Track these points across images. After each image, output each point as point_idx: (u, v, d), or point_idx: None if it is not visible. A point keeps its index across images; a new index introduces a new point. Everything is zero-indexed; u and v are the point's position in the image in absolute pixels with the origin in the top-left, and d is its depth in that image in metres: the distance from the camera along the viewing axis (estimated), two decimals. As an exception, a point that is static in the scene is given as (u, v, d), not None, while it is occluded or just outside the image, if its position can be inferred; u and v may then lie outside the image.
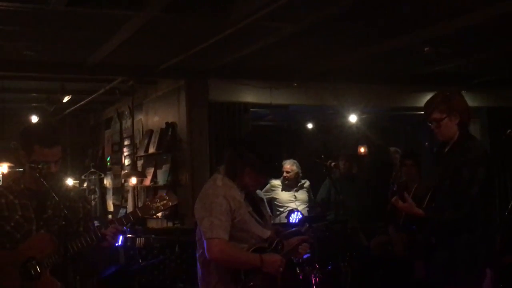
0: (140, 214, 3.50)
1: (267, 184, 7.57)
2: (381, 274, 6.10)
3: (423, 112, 4.22)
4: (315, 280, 5.72)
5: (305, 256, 4.36)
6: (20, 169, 3.75)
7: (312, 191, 8.46)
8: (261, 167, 3.55)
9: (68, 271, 3.51)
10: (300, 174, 8.33)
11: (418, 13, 5.87)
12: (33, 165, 3.38)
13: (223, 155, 3.76)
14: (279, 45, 6.77)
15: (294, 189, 8.25)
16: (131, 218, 3.52)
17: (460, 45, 7.15)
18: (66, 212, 3.29)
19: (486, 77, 8.83)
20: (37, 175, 3.36)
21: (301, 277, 5.80)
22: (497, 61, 7.97)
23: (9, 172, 9.90)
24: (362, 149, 11.76)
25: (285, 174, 8.08)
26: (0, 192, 3.53)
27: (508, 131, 4.14)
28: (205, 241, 3.43)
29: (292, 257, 3.84)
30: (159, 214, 8.43)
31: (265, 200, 3.88)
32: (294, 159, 8.37)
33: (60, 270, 3.42)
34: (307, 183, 8.40)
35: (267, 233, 3.63)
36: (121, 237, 6.22)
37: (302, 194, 8.29)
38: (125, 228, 3.63)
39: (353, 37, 6.67)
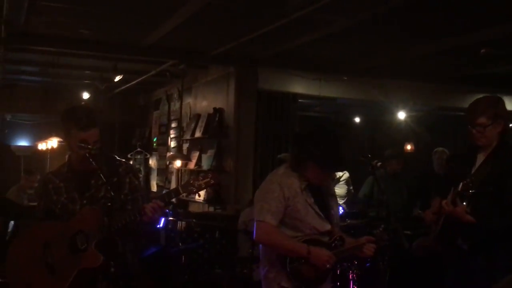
0: (181, 191, 3.49)
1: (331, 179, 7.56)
2: (421, 275, 6.04)
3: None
4: (352, 276, 5.71)
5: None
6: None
7: (354, 185, 8.41)
8: (325, 164, 3.61)
9: (116, 246, 3.58)
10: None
11: (474, 14, 5.76)
12: (82, 145, 3.45)
13: (269, 144, 3.86)
14: (331, 38, 6.73)
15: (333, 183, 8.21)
16: (172, 194, 3.55)
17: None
18: (111, 192, 3.34)
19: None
20: (87, 155, 3.43)
21: (338, 272, 5.82)
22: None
23: (58, 146, 10.12)
24: (409, 147, 11.66)
25: None
26: (48, 178, 3.69)
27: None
28: (254, 223, 3.62)
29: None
30: (201, 198, 8.53)
31: (343, 189, 3.92)
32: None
33: (105, 244, 3.50)
34: (345, 175, 8.35)
35: (326, 226, 3.66)
36: (162, 219, 6.31)
37: (340, 189, 8.25)
38: (167, 210, 3.68)
39: (406, 34, 6.59)
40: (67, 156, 3.76)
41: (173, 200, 3.56)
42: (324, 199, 3.74)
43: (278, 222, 3.59)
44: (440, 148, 7.46)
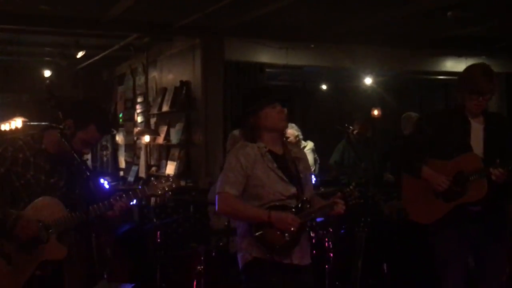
0: (147, 193, 3.69)
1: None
2: (396, 239, 6.10)
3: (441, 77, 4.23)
4: (328, 244, 5.73)
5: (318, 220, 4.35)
6: (34, 123, 3.76)
7: (328, 154, 8.41)
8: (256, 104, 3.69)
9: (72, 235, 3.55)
10: (301, 137, 8.25)
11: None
12: (54, 125, 3.36)
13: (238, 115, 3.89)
14: (297, 5, 6.66)
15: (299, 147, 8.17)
16: (139, 194, 3.65)
17: (483, 10, 7.01)
18: (87, 172, 3.29)
19: (508, 42, 8.68)
20: (59, 135, 3.34)
21: (314, 241, 5.83)
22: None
23: (23, 126, 9.89)
24: (375, 112, 11.71)
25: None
26: (20, 146, 3.50)
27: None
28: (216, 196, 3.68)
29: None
30: (172, 173, 8.46)
31: (310, 158, 3.88)
32: (308, 120, 8.31)
33: (66, 236, 3.45)
34: (309, 145, 8.33)
35: (291, 189, 3.64)
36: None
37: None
38: (131, 203, 3.72)
39: (372, -1, 6.58)
40: (38, 132, 3.62)
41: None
42: (290, 163, 3.72)
43: (239, 192, 3.61)
44: (412, 113, 7.49)
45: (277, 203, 3.61)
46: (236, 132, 6.91)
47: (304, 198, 3.68)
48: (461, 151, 4.15)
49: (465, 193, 4.10)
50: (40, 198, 3.41)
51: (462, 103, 4.20)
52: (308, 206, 3.68)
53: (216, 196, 3.67)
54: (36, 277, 3.41)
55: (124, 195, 3.55)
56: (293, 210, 3.63)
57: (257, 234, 3.58)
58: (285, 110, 3.71)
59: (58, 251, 3.40)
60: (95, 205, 3.47)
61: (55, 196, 3.45)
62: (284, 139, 3.88)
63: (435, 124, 4.27)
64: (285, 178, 3.65)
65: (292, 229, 3.54)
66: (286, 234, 3.55)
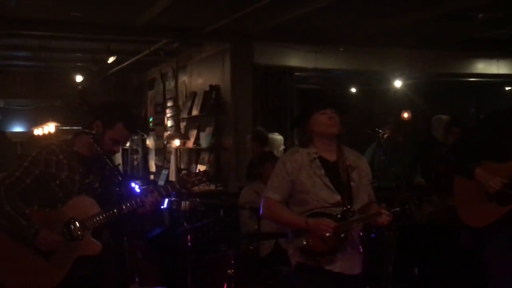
0: (178, 187, 3.71)
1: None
2: (427, 243, 6.06)
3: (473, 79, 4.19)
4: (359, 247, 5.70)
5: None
6: (67, 127, 3.85)
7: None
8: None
9: (106, 234, 3.61)
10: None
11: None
12: (87, 130, 3.44)
13: (268, 119, 3.92)
14: (326, 9, 6.66)
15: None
16: (170, 189, 3.66)
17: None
18: (119, 177, 3.35)
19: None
20: (91, 140, 3.41)
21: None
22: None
23: (56, 131, 10.06)
24: (405, 115, 11.63)
25: None
26: (52, 150, 3.59)
27: None
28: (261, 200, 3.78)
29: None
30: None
31: (362, 168, 3.81)
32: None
33: (100, 233, 3.53)
34: None
35: (335, 197, 3.61)
36: (166, 200, 6.29)
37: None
38: (163, 199, 3.78)
39: (401, 1, 6.53)
40: (71, 137, 3.73)
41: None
42: (341, 171, 3.68)
43: (282, 198, 3.65)
44: (443, 116, 7.43)
45: (320, 210, 3.60)
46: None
47: (349, 207, 3.62)
48: None
49: None
50: (77, 197, 3.52)
51: None
52: (351, 215, 3.61)
53: (262, 200, 3.75)
54: (77, 277, 3.48)
55: (154, 191, 3.60)
56: (338, 217, 3.58)
57: (296, 240, 3.61)
58: (337, 116, 3.66)
59: (93, 247, 3.50)
60: (127, 203, 3.53)
61: (90, 196, 3.53)
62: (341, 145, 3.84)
63: (494, 125, 4.16)
64: (330, 185, 3.62)
65: (327, 234, 3.51)
66: (325, 240, 3.52)
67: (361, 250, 3.90)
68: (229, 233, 6.09)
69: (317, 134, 3.69)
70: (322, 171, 3.64)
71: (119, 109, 3.72)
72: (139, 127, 3.54)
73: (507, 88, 10.84)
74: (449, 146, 6.14)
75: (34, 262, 3.45)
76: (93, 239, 3.50)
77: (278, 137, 7.64)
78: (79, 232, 3.45)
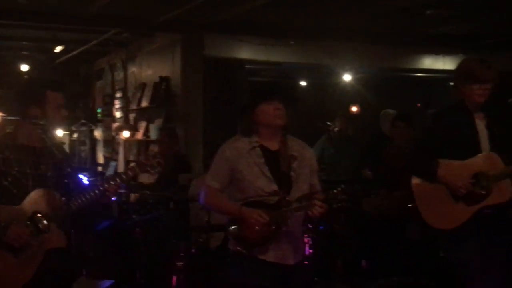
0: (138, 170, 3.63)
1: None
2: (374, 236, 6.14)
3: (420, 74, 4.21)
4: (308, 240, 5.75)
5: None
6: (11, 117, 3.75)
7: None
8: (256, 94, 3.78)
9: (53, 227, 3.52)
10: None
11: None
12: (34, 121, 3.35)
13: (219, 111, 3.90)
14: (277, 2, 6.67)
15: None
16: (130, 173, 3.57)
17: (461, 8, 7.07)
18: (68, 169, 3.28)
19: (485, 41, 8.76)
20: (39, 131, 3.33)
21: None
22: (501, 23, 7.87)
23: (1, 121, 9.77)
24: (354, 108, 11.77)
25: None
26: None
27: (510, 100, 4.11)
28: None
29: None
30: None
31: (306, 158, 3.80)
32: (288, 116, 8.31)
33: (63, 225, 3.46)
34: None
35: (271, 187, 3.62)
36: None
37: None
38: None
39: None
40: (13, 129, 3.60)
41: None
42: (282, 160, 3.68)
43: (221, 185, 3.69)
44: (390, 110, 7.53)
45: (256, 199, 3.61)
46: None
47: (284, 197, 3.62)
48: (471, 149, 3.99)
49: (489, 195, 3.93)
50: (34, 191, 3.41)
51: (462, 99, 4.08)
52: (286, 205, 3.61)
53: (201, 189, 3.77)
54: (47, 270, 3.40)
55: (116, 178, 3.52)
56: (270, 207, 3.59)
57: (230, 228, 3.63)
58: (283, 108, 3.66)
59: (61, 239, 3.44)
60: (91, 191, 3.45)
61: (47, 186, 3.45)
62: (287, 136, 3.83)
63: (444, 123, 4.10)
64: (268, 174, 3.63)
65: (256, 227, 3.52)
66: (257, 230, 3.54)
67: (304, 240, 3.93)
68: (179, 225, 6.05)
69: (262, 125, 3.68)
70: (262, 160, 3.65)
71: (38, 81, 3.66)
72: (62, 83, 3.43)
73: (452, 84, 11.03)
74: (401, 145, 6.21)
75: (4, 260, 3.33)
76: (59, 231, 3.42)
77: None
78: (45, 223, 3.34)
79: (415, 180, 4.14)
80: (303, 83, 12.15)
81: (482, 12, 7.20)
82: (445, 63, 9.45)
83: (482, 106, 4.04)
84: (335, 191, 3.74)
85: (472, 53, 8.99)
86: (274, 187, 3.63)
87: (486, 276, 3.94)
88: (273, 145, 3.72)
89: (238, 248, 3.66)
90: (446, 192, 3.98)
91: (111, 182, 3.46)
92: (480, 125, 4.06)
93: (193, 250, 5.50)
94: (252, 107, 3.72)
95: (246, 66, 8.68)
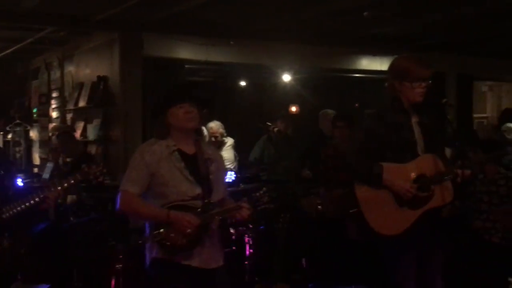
0: (79, 178, 3.60)
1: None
2: (314, 235, 6.20)
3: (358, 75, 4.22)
4: (248, 240, 5.76)
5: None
6: None
7: (247, 150, 8.45)
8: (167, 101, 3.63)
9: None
10: (225, 134, 8.30)
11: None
12: None
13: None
14: (217, 1, 6.65)
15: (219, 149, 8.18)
16: (72, 181, 3.50)
17: (396, 10, 7.21)
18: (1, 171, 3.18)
19: (420, 43, 8.96)
20: None
21: (234, 238, 5.85)
22: (435, 25, 8.06)
23: None
24: (293, 108, 11.87)
25: (213, 139, 7.91)
26: None
27: (444, 100, 4.17)
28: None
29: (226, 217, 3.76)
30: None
31: (230, 155, 3.81)
32: (228, 116, 8.34)
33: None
34: (229, 141, 8.36)
35: (195, 190, 3.57)
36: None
37: (226, 153, 8.25)
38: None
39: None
40: None
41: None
42: (200, 164, 3.65)
43: (141, 190, 3.55)
44: (329, 110, 7.62)
45: (180, 203, 3.55)
46: None
47: (208, 200, 3.60)
48: (409, 150, 3.98)
49: (432, 198, 3.94)
50: None
51: (399, 98, 4.05)
52: (211, 208, 3.60)
53: (118, 194, 3.58)
54: None
55: (55, 183, 3.43)
56: (199, 210, 3.56)
57: (155, 233, 3.52)
58: (194, 110, 3.59)
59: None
60: (30, 198, 3.36)
61: None
62: (213, 139, 3.82)
63: (384, 123, 4.04)
64: (190, 178, 3.59)
65: (188, 230, 3.48)
66: (184, 235, 3.49)
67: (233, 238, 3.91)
68: (117, 227, 5.96)
69: (174, 128, 3.63)
70: (182, 164, 3.59)
71: None
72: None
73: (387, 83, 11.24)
74: (339, 145, 6.27)
75: None
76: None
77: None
78: None
79: (358, 185, 4.06)
80: (243, 83, 12.16)
81: (417, 14, 7.36)
82: (382, 64, 9.62)
83: (415, 106, 4.03)
84: (258, 193, 3.75)
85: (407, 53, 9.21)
86: (198, 190, 3.59)
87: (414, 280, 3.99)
88: (189, 149, 3.68)
89: (161, 254, 3.57)
90: (390, 196, 3.95)
91: (52, 189, 3.39)
92: (416, 125, 4.06)
93: (132, 252, 5.42)
94: (163, 110, 3.64)
95: (186, 66, 8.62)
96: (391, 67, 4.17)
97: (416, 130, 4.06)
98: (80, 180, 3.60)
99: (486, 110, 12.66)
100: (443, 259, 4.13)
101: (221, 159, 3.91)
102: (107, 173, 7.74)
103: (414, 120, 4.07)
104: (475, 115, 11.17)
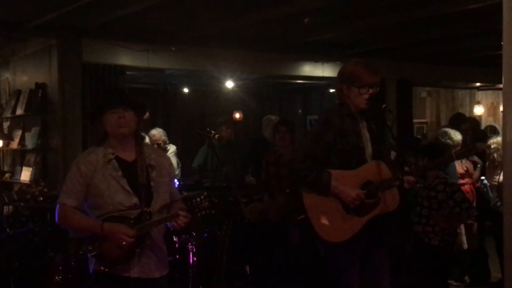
0: (16, 198, 3.65)
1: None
2: (258, 240, 6.19)
3: (300, 81, 4.23)
4: (191, 248, 5.72)
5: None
6: None
7: (191, 157, 8.40)
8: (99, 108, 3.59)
9: None
10: (167, 141, 8.25)
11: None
12: None
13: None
14: (159, 7, 6.58)
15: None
16: (6, 200, 3.44)
17: (337, 17, 7.28)
18: None
19: (360, 49, 9.08)
20: None
21: (177, 246, 5.79)
22: (376, 31, 8.18)
23: None
24: (237, 115, 11.88)
25: (155, 146, 7.82)
26: None
27: (383, 105, 4.21)
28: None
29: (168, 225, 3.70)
30: (27, 179, 8.08)
31: (173, 162, 3.73)
32: (171, 123, 8.28)
33: None
34: (172, 148, 8.32)
35: (131, 200, 3.51)
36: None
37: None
38: None
39: (234, 3, 6.62)
40: None
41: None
42: (140, 171, 3.57)
43: (77, 202, 3.51)
44: (272, 116, 7.66)
45: (116, 214, 3.48)
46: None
47: (146, 209, 3.53)
48: (357, 156, 3.99)
49: (379, 204, 3.96)
50: None
51: (346, 103, 4.06)
52: (148, 217, 3.53)
53: (56, 208, 3.56)
54: None
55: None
56: (131, 221, 3.49)
57: (91, 247, 3.47)
58: (129, 115, 3.53)
59: None
60: None
61: None
62: (143, 143, 3.72)
63: (333, 128, 4.03)
64: (127, 187, 3.52)
65: (123, 242, 3.42)
66: (119, 247, 3.43)
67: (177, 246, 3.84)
68: (56, 238, 5.81)
69: (110, 134, 3.57)
70: (119, 173, 3.53)
71: None
72: None
73: (331, 90, 11.41)
74: (282, 152, 6.27)
75: None
76: None
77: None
78: None
79: (305, 191, 4.06)
80: (186, 90, 12.11)
81: (356, 20, 7.45)
82: (324, 70, 9.71)
83: (362, 111, 4.06)
84: (198, 199, 3.69)
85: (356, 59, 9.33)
86: (135, 200, 3.53)
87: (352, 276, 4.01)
88: (129, 156, 3.61)
89: (99, 266, 3.51)
90: (337, 203, 3.96)
91: None
92: (364, 131, 4.09)
93: (72, 263, 5.31)
94: (96, 116, 3.59)
95: (127, 72, 8.51)
96: (339, 71, 4.18)
97: (365, 136, 4.08)
98: (17, 200, 3.51)
99: (425, 115, 12.94)
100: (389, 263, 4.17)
101: (167, 163, 3.79)
102: (46, 182, 7.61)
103: (362, 125, 4.09)
104: (414, 120, 11.39)
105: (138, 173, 3.56)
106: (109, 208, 3.48)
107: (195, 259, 5.66)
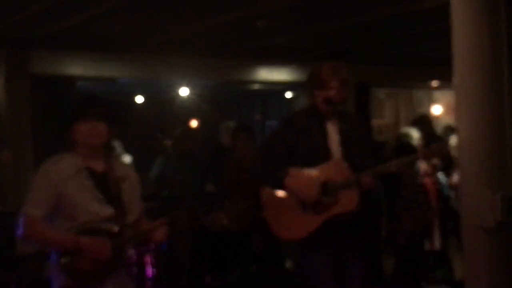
0: None
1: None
2: (219, 249, 6.08)
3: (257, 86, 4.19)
4: (151, 260, 5.59)
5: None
6: None
7: (148, 167, 8.24)
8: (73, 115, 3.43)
9: None
10: (122, 152, 8.07)
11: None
12: None
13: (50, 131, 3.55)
14: (110, 14, 6.43)
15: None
16: None
17: (290, 20, 7.23)
18: None
19: (317, 52, 9.05)
20: None
21: (134, 258, 5.64)
22: (333, 35, 8.15)
23: None
24: (194, 122, 11.78)
25: None
26: None
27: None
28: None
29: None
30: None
31: (133, 180, 3.57)
32: (126, 133, 8.10)
33: None
34: (127, 159, 8.15)
35: (107, 211, 3.36)
36: None
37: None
38: None
39: (186, 10, 6.51)
40: None
41: None
42: (111, 182, 3.44)
43: (45, 213, 3.28)
44: (230, 123, 7.57)
45: (92, 226, 3.32)
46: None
47: (126, 223, 3.40)
48: (323, 155, 3.98)
49: (337, 204, 3.93)
50: None
51: (314, 104, 4.07)
52: (128, 230, 3.41)
53: (20, 219, 3.29)
54: None
55: None
56: (115, 234, 3.35)
57: (62, 262, 3.28)
58: (102, 125, 3.39)
59: None
60: None
61: None
62: (112, 155, 3.58)
63: (295, 127, 4.06)
64: (101, 197, 3.38)
65: (100, 257, 3.27)
66: (95, 262, 3.28)
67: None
68: (6, 256, 5.60)
69: (80, 144, 3.42)
70: (91, 182, 3.38)
71: None
72: None
73: (289, 95, 11.37)
74: (242, 158, 6.21)
75: None
76: None
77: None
78: None
79: (265, 189, 4.08)
80: (140, 99, 11.93)
81: (311, 23, 7.42)
82: (280, 74, 9.66)
83: (335, 112, 4.07)
84: (177, 212, 3.61)
85: (307, 64, 9.29)
86: (110, 211, 3.38)
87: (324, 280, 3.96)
88: (99, 166, 3.47)
89: (68, 282, 3.31)
90: (294, 200, 3.95)
91: None
92: (332, 131, 4.07)
93: (26, 282, 5.12)
94: (67, 125, 3.43)
95: (78, 82, 8.32)
96: (308, 74, 4.20)
97: (332, 137, 4.06)
98: None
99: (384, 117, 13.04)
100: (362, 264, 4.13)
101: (135, 177, 3.66)
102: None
103: (332, 126, 4.08)
104: (374, 122, 11.46)
105: (109, 184, 3.42)
106: (84, 219, 3.30)
107: (154, 270, 5.51)
